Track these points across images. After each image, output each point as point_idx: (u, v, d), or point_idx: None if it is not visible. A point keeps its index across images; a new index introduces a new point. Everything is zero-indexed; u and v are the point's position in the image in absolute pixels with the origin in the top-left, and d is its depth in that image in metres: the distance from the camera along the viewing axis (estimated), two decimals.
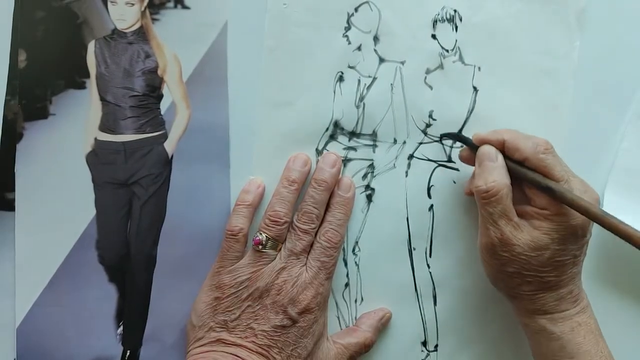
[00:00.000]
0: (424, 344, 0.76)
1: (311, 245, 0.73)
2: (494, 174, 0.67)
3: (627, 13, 0.76)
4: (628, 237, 0.63)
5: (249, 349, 0.68)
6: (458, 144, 0.75)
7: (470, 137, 0.71)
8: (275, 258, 0.71)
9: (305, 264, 0.72)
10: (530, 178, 0.67)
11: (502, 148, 0.69)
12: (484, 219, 0.68)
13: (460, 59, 0.75)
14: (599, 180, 0.76)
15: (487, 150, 0.69)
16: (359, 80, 0.75)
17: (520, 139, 0.68)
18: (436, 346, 0.76)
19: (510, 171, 0.68)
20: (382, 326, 0.76)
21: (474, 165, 0.71)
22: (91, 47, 0.74)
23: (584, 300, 0.69)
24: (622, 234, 0.64)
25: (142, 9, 0.74)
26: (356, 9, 0.74)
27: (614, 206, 0.75)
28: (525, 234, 0.66)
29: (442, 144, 0.75)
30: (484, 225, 0.68)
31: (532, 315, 0.69)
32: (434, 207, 0.76)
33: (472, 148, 0.71)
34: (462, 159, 0.73)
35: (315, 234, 0.73)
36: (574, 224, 0.66)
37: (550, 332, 0.68)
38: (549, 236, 0.66)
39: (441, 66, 0.75)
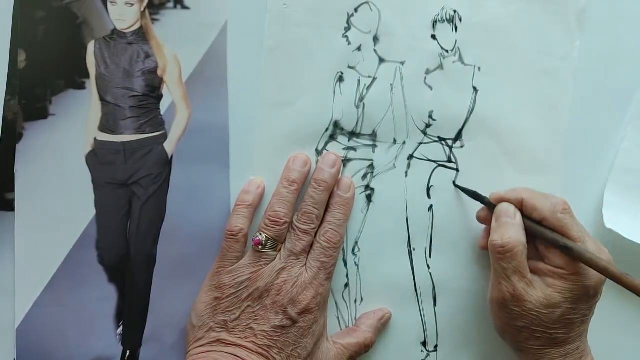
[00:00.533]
0: (424, 344, 0.76)
1: (311, 246, 0.72)
2: (511, 231, 0.69)
3: (627, 13, 0.76)
4: None
5: (249, 349, 0.68)
6: (458, 143, 0.75)
7: (487, 196, 0.73)
8: (275, 258, 0.71)
9: (305, 264, 0.72)
10: (549, 237, 0.68)
11: (520, 207, 0.70)
12: (497, 273, 0.69)
13: (460, 59, 0.75)
14: (599, 180, 0.76)
15: (505, 207, 0.70)
16: (359, 81, 0.75)
17: (538, 198, 0.70)
18: (436, 346, 0.76)
19: (527, 229, 0.69)
20: (382, 326, 0.76)
21: (489, 224, 0.72)
22: (91, 47, 0.74)
23: (588, 356, 0.71)
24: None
25: (142, 9, 0.74)
26: (356, 10, 0.74)
27: (614, 206, 0.75)
28: (538, 291, 0.68)
29: (442, 144, 0.75)
30: (496, 279, 0.69)
31: None
32: (433, 208, 0.76)
33: (489, 206, 0.72)
34: (480, 219, 0.74)
35: (315, 234, 0.73)
36: (587, 284, 0.67)
37: None
38: (562, 295, 0.67)
39: (441, 66, 0.75)
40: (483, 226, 0.75)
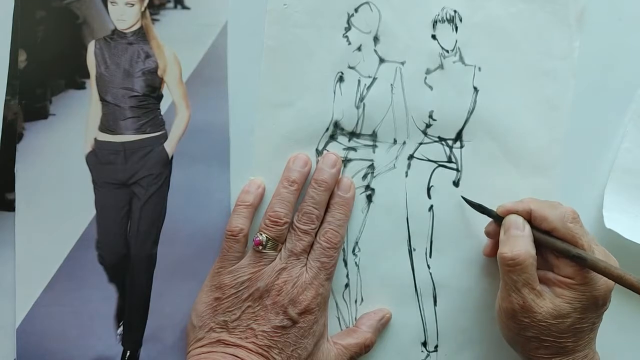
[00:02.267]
0: (424, 344, 0.76)
1: (311, 246, 0.72)
2: (520, 244, 0.68)
3: (627, 13, 0.76)
4: None
5: (249, 350, 0.68)
6: (458, 143, 0.75)
7: (494, 209, 0.73)
8: (275, 258, 0.71)
9: (306, 264, 0.72)
10: (560, 248, 0.68)
11: (528, 217, 0.70)
12: (506, 285, 0.69)
13: (461, 59, 0.75)
14: (599, 180, 0.76)
15: (514, 219, 0.70)
16: (359, 81, 0.75)
17: (547, 208, 0.70)
18: (436, 347, 0.76)
19: (536, 240, 0.69)
20: (382, 327, 0.76)
21: (497, 239, 0.72)
22: (91, 47, 0.74)
23: None
24: None
25: (142, 9, 0.74)
26: (356, 10, 0.74)
27: (614, 206, 0.75)
28: (547, 302, 0.68)
29: (442, 144, 0.75)
30: (505, 290, 0.69)
31: None
32: (433, 208, 0.76)
33: (496, 219, 0.72)
34: (488, 235, 0.74)
35: (316, 235, 0.73)
36: (596, 294, 0.67)
37: None
38: (571, 305, 0.67)
39: (441, 66, 0.75)
40: (485, 228, 0.75)
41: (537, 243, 0.69)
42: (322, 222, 0.73)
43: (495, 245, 0.72)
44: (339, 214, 0.73)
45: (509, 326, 0.70)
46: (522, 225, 0.70)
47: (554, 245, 0.68)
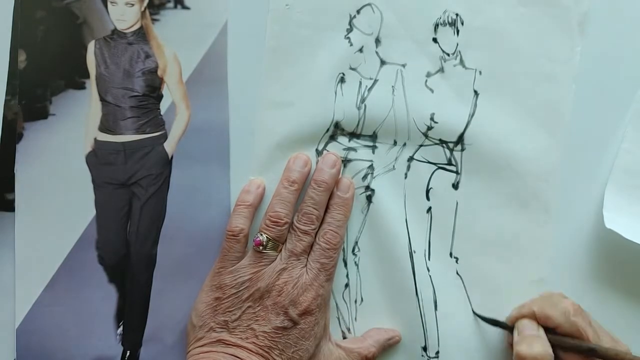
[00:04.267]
0: (425, 349, 0.76)
1: (311, 246, 0.73)
2: (537, 345, 0.68)
3: (628, 18, 0.75)
4: None
5: (250, 350, 0.69)
6: (459, 147, 0.75)
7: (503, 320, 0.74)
8: (275, 259, 0.71)
9: (306, 265, 0.72)
10: (570, 345, 0.68)
11: (534, 319, 0.71)
12: None
13: (461, 62, 0.75)
14: (599, 180, 0.76)
15: (527, 322, 0.71)
16: (360, 82, 0.74)
17: (548, 307, 0.70)
18: (437, 353, 0.76)
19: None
20: (389, 346, 0.75)
21: None
22: (91, 47, 0.74)
23: None
24: None
25: (142, 9, 0.74)
26: (358, 11, 0.74)
27: (614, 206, 0.75)
28: None
29: (443, 146, 0.75)
30: None
31: None
32: (432, 210, 0.76)
33: (509, 330, 0.73)
34: (510, 346, 0.73)
35: (316, 235, 0.73)
36: None
37: None
38: None
39: (442, 69, 0.74)
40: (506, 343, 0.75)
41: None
42: (321, 223, 0.73)
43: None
44: (338, 214, 0.73)
45: None
46: (537, 327, 0.70)
47: (564, 344, 0.69)
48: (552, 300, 0.71)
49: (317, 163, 0.74)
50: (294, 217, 0.73)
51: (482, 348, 0.76)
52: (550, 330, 0.70)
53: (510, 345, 0.72)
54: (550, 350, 0.68)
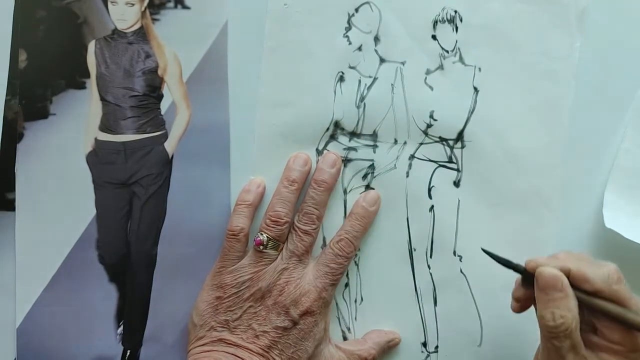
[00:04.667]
0: (424, 344, 0.76)
1: (312, 246, 0.73)
2: (563, 307, 0.61)
3: (627, 14, 0.76)
4: None
5: (250, 350, 0.69)
6: (459, 144, 0.75)
7: (521, 264, 0.66)
8: (276, 258, 0.72)
9: (308, 265, 0.72)
10: (615, 313, 0.61)
11: (567, 276, 0.62)
12: (548, 351, 0.62)
13: (461, 59, 0.75)
14: (599, 180, 0.76)
15: (550, 276, 0.62)
16: (360, 81, 0.75)
17: (588, 268, 0.62)
18: (436, 347, 0.76)
19: (578, 300, 0.62)
20: (389, 349, 0.75)
21: (528, 305, 0.66)
22: (91, 47, 0.74)
23: None
24: None
25: (142, 9, 0.74)
26: (357, 10, 0.74)
27: (614, 206, 0.75)
28: None
29: (443, 144, 0.75)
30: (547, 356, 0.63)
31: None
32: (434, 208, 0.76)
33: (524, 275, 0.65)
34: (519, 301, 0.67)
35: (324, 239, 0.73)
36: None
37: None
38: None
39: (441, 67, 0.75)
40: (513, 293, 0.68)
41: (580, 303, 0.62)
42: (339, 229, 0.74)
43: (526, 302, 0.66)
44: (358, 225, 0.73)
45: None
46: (561, 282, 0.61)
47: (606, 310, 0.61)
48: (590, 260, 0.64)
49: (317, 162, 0.74)
50: (295, 217, 0.73)
51: (481, 343, 0.76)
52: (590, 294, 0.62)
53: (517, 300, 0.67)
54: (576, 314, 0.61)
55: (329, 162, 0.74)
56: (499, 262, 0.67)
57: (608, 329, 0.62)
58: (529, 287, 0.64)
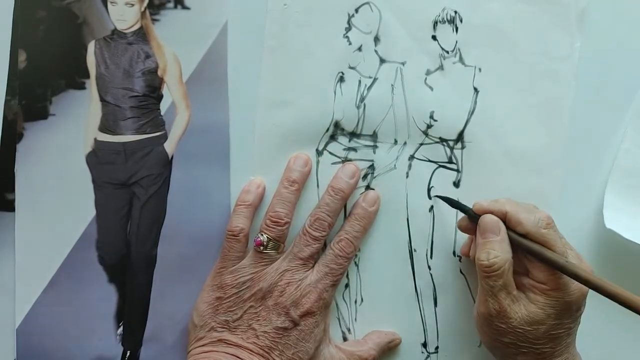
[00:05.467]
0: (424, 345, 0.76)
1: (318, 252, 0.73)
2: (497, 249, 0.67)
3: (627, 14, 0.76)
4: (628, 304, 0.63)
5: (251, 351, 0.69)
6: (459, 144, 0.75)
7: (470, 206, 0.71)
8: (276, 259, 0.72)
9: (311, 268, 0.72)
10: (543, 255, 0.66)
11: (503, 219, 0.68)
12: (483, 290, 0.68)
13: (461, 60, 0.75)
14: (599, 180, 0.76)
15: (489, 221, 0.68)
16: (360, 81, 0.75)
17: (522, 212, 0.68)
18: (437, 348, 0.76)
19: (511, 242, 0.68)
20: (389, 349, 0.75)
21: (471, 234, 0.72)
22: (91, 47, 0.74)
23: None
24: (621, 300, 0.63)
25: (142, 9, 0.74)
26: (357, 10, 0.74)
27: (614, 206, 0.75)
28: (522, 308, 0.66)
29: (444, 145, 0.75)
30: (482, 295, 0.68)
31: None
32: (434, 208, 0.76)
33: (472, 217, 0.71)
34: (462, 229, 0.73)
35: (326, 241, 0.73)
36: (568, 300, 0.66)
37: None
38: (544, 311, 0.66)
39: (441, 67, 0.75)
40: (458, 222, 0.74)
41: (513, 245, 0.68)
42: (339, 229, 0.74)
43: (470, 243, 0.72)
44: (358, 225, 0.74)
45: (486, 332, 0.69)
46: (498, 228, 0.68)
47: (529, 248, 0.67)
48: (527, 207, 0.70)
49: (317, 164, 0.75)
50: (306, 221, 0.73)
51: (481, 343, 0.76)
52: (519, 236, 0.68)
53: (465, 229, 0.72)
54: (509, 256, 0.67)
55: (348, 172, 0.74)
56: (450, 204, 0.74)
57: (535, 269, 0.67)
58: (473, 222, 0.71)
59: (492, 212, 0.69)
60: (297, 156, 0.74)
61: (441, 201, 0.75)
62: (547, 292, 0.66)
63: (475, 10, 0.74)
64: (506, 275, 0.66)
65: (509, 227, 0.68)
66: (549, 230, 0.67)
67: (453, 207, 0.73)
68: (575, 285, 0.66)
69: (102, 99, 0.74)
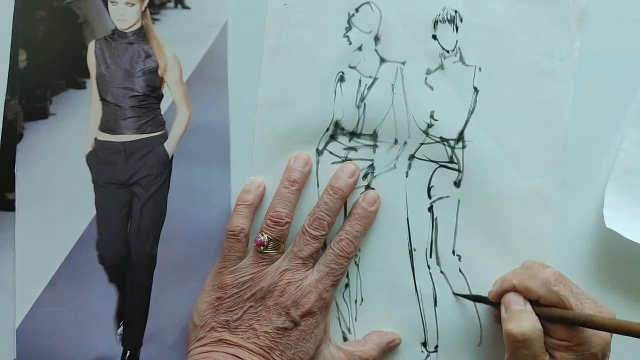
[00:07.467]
0: (424, 344, 0.76)
1: (318, 252, 0.73)
2: (525, 320, 0.66)
3: (627, 14, 0.76)
4: None
5: (251, 350, 0.68)
6: (460, 144, 0.75)
7: (486, 295, 0.72)
8: (277, 259, 0.72)
9: (311, 268, 0.72)
10: (556, 316, 0.67)
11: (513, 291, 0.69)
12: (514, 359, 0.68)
13: (461, 59, 0.75)
14: (599, 180, 0.76)
15: (513, 298, 0.68)
16: (360, 81, 0.75)
17: (527, 279, 0.68)
18: (436, 347, 0.76)
19: None
20: (389, 350, 0.75)
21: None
22: (91, 47, 0.74)
23: None
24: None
25: (143, 9, 0.74)
26: (357, 10, 0.74)
27: (614, 206, 0.75)
28: None
29: (444, 144, 0.75)
30: None
31: None
32: (434, 208, 0.76)
33: (493, 305, 0.72)
34: (497, 320, 0.73)
35: (325, 241, 0.73)
36: (594, 351, 0.66)
37: None
38: None
39: (442, 67, 0.75)
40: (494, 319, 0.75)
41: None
42: (339, 229, 0.73)
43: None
44: (358, 225, 0.73)
45: None
46: (523, 301, 0.68)
47: (549, 315, 0.67)
48: (532, 271, 0.70)
49: (317, 164, 0.75)
50: (305, 221, 0.73)
51: (481, 343, 0.76)
52: (535, 302, 0.68)
53: (498, 319, 0.71)
54: (538, 325, 0.66)
55: (348, 171, 0.74)
56: (471, 299, 0.75)
57: (556, 328, 0.67)
58: (495, 307, 0.71)
59: (504, 291, 0.69)
60: (297, 156, 0.74)
61: (441, 201, 0.75)
62: (572, 348, 0.66)
63: (475, 9, 0.74)
64: (538, 343, 0.66)
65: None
66: (559, 287, 0.68)
67: (474, 301, 0.75)
68: (597, 335, 0.66)
69: (102, 99, 0.74)
